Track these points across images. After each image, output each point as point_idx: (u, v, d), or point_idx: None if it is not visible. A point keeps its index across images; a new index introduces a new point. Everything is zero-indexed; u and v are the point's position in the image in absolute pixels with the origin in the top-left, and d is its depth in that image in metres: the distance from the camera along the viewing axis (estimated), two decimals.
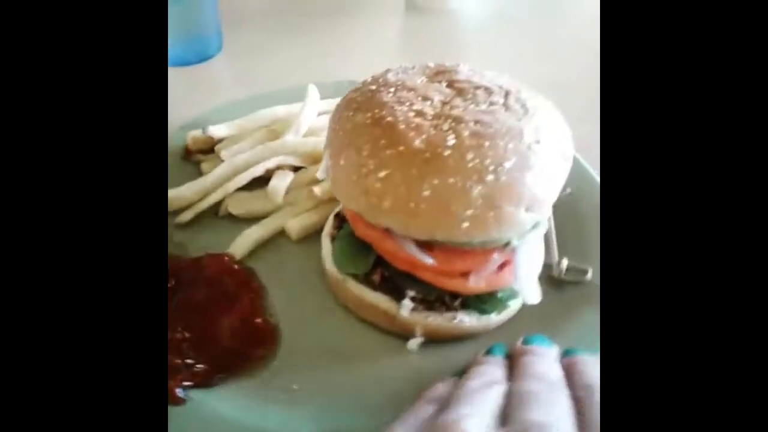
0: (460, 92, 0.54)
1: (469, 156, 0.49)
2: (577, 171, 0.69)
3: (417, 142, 0.50)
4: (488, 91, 0.54)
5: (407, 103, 0.53)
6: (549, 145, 0.51)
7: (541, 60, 1.00)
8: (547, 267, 0.63)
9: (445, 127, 0.50)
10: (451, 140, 0.49)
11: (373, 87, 0.56)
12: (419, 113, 0.52)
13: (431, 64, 0.59)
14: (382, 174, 0.50)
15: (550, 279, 0.62)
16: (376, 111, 0.53)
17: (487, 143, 0.49)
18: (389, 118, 0.52)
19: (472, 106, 0.52)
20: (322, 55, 0.99)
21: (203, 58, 0.94)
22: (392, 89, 0.55)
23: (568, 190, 0.62)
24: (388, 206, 0.50)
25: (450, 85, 0.55)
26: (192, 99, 0.84)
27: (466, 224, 0.48)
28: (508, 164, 0.49)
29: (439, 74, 0.57)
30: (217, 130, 0.75)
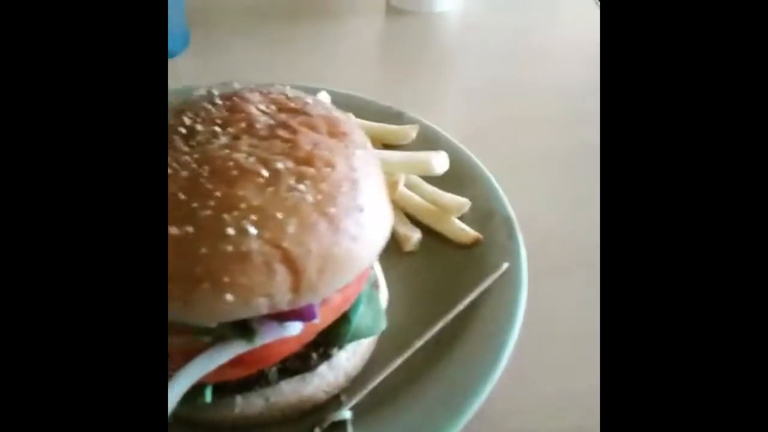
0: (269, 135, 0.42)
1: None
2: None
3: None
4: (294, 147, 0.41)
5: (198, 120, 0.43)
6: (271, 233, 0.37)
7: (525, 63, 0.90)
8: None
9: (186, 171, 0.39)
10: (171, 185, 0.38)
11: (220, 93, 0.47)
12: (185, 137, 0.42)
13: (308, 101, 0.47)
14: None
15: None
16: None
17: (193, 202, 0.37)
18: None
19: (242, 154, 0.40)
20: (297, 57, 0.91)
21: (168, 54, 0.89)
22: (222, 101, 0.45)
23: None
24: None
25: (280, 126, 0.43)
26: None
27: None
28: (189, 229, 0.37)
29: (289, 111, 0.45)
30: None
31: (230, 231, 0.36)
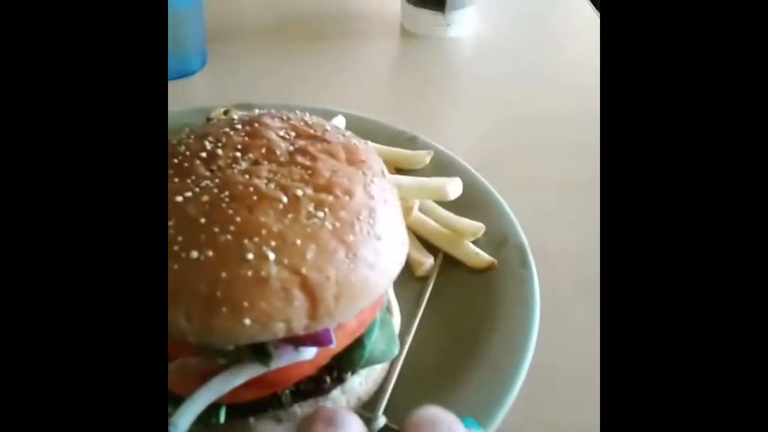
0: (289, 161, 0.43)
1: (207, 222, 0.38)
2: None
3: (177, 198, 0.40)
4: (313, 174, 0.42)
5: (219, 145, 0.44)
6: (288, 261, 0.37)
7: (539, 89, 0.91)
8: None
9: (207, 196, 0.40)
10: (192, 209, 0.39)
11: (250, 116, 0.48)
12: (206, 162, 0.43)
13: (327, 127, 0.47)
14: None
15: None
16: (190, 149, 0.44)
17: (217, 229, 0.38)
18: (186, 164, 0.43)
19: (262, 180, 0.41)
20: (311, 77, 0.92)
21: (185, 73, 0.90)
22: (242, 126, 0.46)
23: None
24: None
25: (299, 152, 0.44)
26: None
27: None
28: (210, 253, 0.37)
29: (308, 137, 0.45)
30: None
31: (250, 256, 0.37)
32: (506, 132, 0.83)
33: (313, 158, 0.43)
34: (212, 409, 0.42)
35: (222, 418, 0.43)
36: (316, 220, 0.39)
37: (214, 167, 0.42)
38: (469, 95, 0.92)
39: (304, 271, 0.37)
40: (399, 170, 0.68)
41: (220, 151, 0.43)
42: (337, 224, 0.39)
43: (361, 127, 0.69)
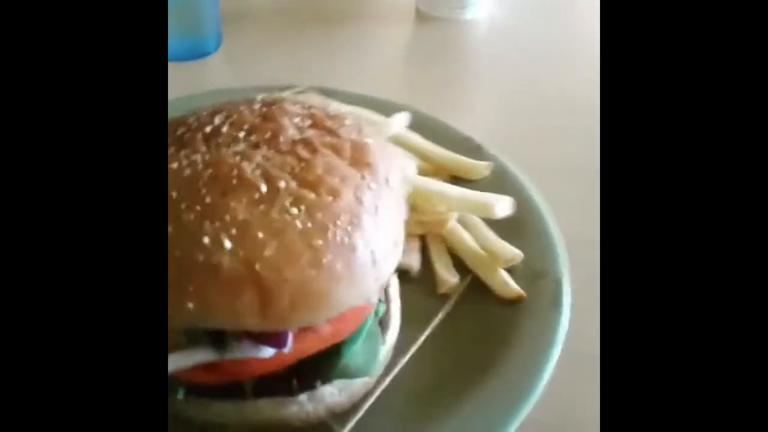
0: (288, 151, 0.41)
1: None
2: None
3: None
4: (306, 167, 0.40)
5: (228, 121, 0.43)
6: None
7: (554, 74, 0.89)
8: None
9: (189, 170, 0.39)
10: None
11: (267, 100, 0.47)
12: (207, 136, 0.42)
13: (346, 122, 0.45)
14: None
15: None
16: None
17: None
18: (186, 135, 0.42)
19: (250, 165, 0.39)
20: (326, 60, 0.91)
21: (200, 54, 0.89)
22: (259, 107, 0.45)
23: None
24: None
25: (302, 143, 0.42)
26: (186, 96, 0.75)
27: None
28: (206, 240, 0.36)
29: (320, 128, 0.43)
30: None
31: (206, 240, 0.35)
32: (522, 113, 0.81)
33: (314, 151, 0.41)
34: (172, 385, 0.41)
35: (181, 396, 0.42)
36: (287, 216, 0.36)
37: (213, 143, 0.41)
38: (484, 77, 0.91)
39: (258, 267, 0.35)
40: (455, 178, 0.63)
41: (225, 128, 0.42)
42: (309, 225, 0.37)
43: (426, 127, 0.67)
